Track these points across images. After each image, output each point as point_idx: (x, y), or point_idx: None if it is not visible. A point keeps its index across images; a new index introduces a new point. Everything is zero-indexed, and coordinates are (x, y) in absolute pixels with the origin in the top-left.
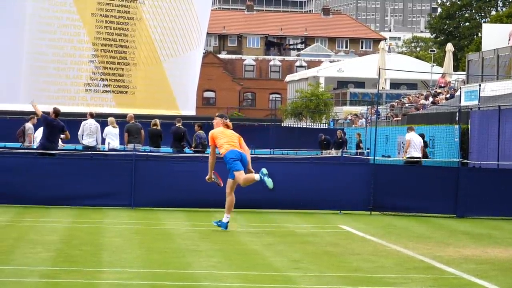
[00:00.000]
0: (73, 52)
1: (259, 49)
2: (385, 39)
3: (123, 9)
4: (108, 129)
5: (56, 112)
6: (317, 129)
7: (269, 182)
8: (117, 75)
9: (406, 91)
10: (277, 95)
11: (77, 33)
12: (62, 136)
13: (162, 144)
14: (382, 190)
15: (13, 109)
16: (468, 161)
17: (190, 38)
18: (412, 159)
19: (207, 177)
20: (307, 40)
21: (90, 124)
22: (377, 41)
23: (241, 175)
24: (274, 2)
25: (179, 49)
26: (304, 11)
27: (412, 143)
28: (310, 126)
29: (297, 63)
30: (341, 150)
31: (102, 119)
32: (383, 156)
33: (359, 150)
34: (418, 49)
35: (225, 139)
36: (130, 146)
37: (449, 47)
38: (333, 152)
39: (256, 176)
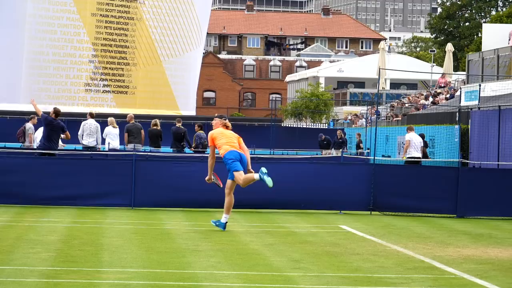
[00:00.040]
0: (73, 52)
1: (259, 49)
2: (385, 39)
3: (123, 9)
4: (108, 129)
5: (56, 112)
6: (317, 129)
7: (269, 181)
8: (117, 75)
9: (406, 91)
10: (277, 95)
11: (77, 33)
12: (62, 136)
13: (162, 144)
14: (382, 190)
15: (13, 109)
16: (468, 161)
17: (190, 38)
18: (412, 159)
19: (206, 178)
20: (307, 40)
21: (90, 124)
22: (377, 41)
23: (240, 176)
24: (274, 2)
25: (179, 49)
26: (304, 11)
27: (412, 143)
28: (310, 126)
29: (297, 63)
30: (341, 150)
31: (102, 119)
32: (383, 156)
33: (359, 150)
34: (418, 49)
35: (225, 139)
36: (130, 146)
37: (449, 47)
38: (333, 152)
39: (256, 176)
